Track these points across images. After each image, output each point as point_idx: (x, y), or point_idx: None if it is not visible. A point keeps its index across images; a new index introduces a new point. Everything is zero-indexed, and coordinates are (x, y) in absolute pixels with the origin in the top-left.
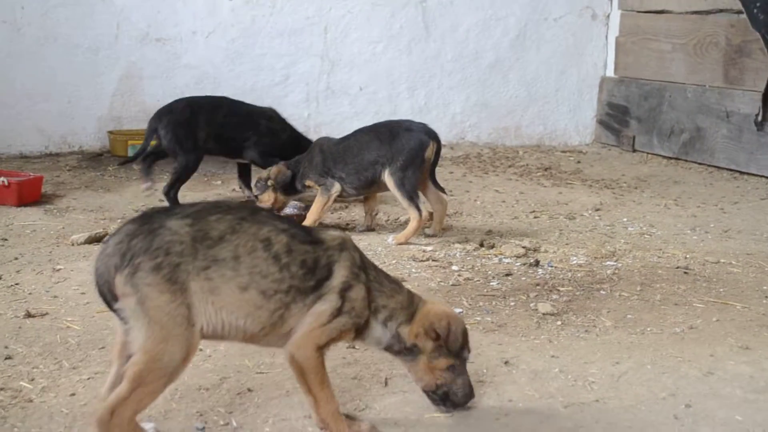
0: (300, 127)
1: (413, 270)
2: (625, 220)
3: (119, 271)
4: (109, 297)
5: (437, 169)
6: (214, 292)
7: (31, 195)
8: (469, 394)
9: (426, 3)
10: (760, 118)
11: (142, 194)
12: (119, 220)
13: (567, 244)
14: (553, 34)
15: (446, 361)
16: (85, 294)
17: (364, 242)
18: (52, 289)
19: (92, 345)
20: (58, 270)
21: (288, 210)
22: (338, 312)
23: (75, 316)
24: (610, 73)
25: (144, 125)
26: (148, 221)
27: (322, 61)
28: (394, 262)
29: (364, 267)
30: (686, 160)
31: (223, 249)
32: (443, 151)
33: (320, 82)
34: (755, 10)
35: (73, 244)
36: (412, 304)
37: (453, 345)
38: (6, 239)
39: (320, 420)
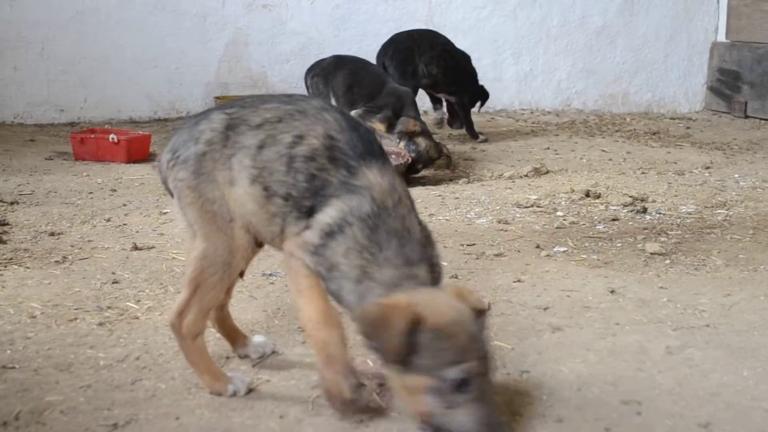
0: None
1: (517, 215)
2: (736, 176)
3: (167, 166)
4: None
5: None
6: (233, 182)
7: (139, 152)
8: None
9: None
10: None
11: None
12: None
13: (676, 195)
14: None
15: (419, 381)
16: None
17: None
18: (158, 229)
19: None
20: (165, 213)
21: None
22: (312, 250)
23: (180, 249)
24: (722, 37)
25: (250, 91)
26: (202, 113)
27: (426, 26)
28: (498, 207)
29: (369, 219)
30: None
31: (254, 137)
32: (549, 117)
33: None
34: None
35: None
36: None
37: (387, 350)
38: (115, 190)
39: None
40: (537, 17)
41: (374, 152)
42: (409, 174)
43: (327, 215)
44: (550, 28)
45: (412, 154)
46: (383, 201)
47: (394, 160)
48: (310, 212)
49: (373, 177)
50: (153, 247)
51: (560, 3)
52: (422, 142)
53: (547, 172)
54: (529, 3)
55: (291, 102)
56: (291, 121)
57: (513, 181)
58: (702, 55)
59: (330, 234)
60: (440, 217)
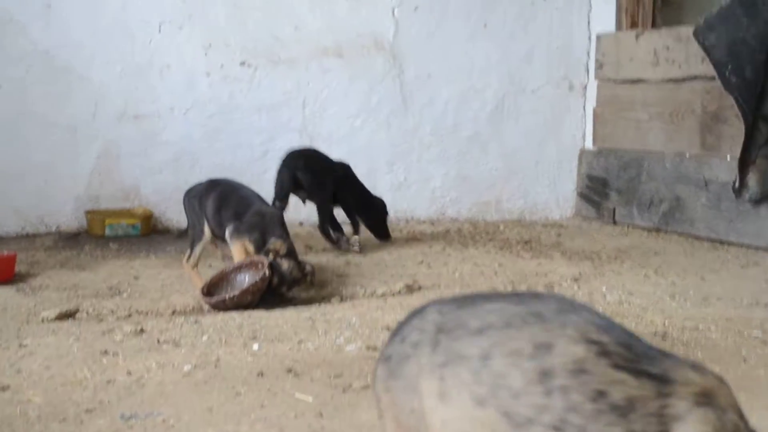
0: None
1: (385, 339)
2: (603, 289)
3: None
4: None
5: None
6: (444, 398)
7: (3, 274)
8: None
9: (403, 76)
10: (737, 185)
11: (116, 271)
12: (93, 298)
13: None
14: (531, 106)
15: None
16: (50, 368)
17: None
18: (16, 364)
19: (53, 417)
20: (25, 345)
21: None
22: None
23: (37, 389)
24: (589, 144)
25: (121, 204)
26: (420, 309)
27: (300, 136)
28: (368, 331)
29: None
30: (666, 231)
31: (474, 345)
32: (424, 226)
33: None
34: (727, 73)
35: (43, 321)
36: None
37: None
38: None
39: None
40: (410, 125)
41: (656, 349)
42: (277, 295)
43: None
44: (423, 136)
45: (276, 277)
46: (730, 404)
47: (249, 274)
48: None
49: (695, 376)
50: (8, 387)
51: (432, 111)
52: (285, 264)
53: (420, 288)
54: (402, 112)
55: (521, 302)
56: (524, 326)
57: (385, 300)
58: (571, 162)
59: None
60: (309, 344)
